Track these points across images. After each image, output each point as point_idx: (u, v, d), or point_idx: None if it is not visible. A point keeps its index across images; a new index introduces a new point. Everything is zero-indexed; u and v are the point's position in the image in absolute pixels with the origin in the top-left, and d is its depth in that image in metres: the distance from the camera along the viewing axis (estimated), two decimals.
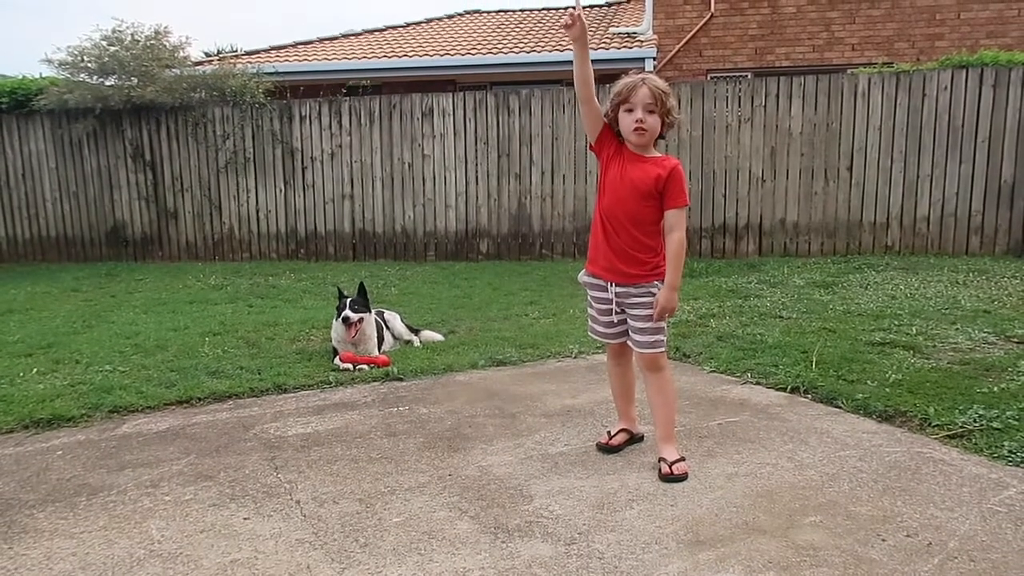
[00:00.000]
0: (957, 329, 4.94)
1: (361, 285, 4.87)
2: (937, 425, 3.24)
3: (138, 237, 10.88)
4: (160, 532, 2.53)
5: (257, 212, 10.55)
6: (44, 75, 11.29)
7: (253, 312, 6.59)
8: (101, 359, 4.84)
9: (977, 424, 3.20)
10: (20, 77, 11.42)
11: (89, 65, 10.63)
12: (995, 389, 3.62)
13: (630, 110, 2.78)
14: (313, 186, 10.39)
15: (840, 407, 3.56)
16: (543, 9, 15.98)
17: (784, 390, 3.87)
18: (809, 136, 9.08)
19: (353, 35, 14.99)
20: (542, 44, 12.61)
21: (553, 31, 13.50)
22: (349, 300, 4.64)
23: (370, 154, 10.21)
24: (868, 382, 3.83)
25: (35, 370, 4.58)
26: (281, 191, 10.47)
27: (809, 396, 3.76)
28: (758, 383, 4.02)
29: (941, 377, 3.86)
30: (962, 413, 3.31)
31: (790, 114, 9.10)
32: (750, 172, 9.25)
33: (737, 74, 11.67)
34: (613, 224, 2.86)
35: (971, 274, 7.20)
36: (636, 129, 2.77)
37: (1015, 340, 4.63)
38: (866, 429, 3.28)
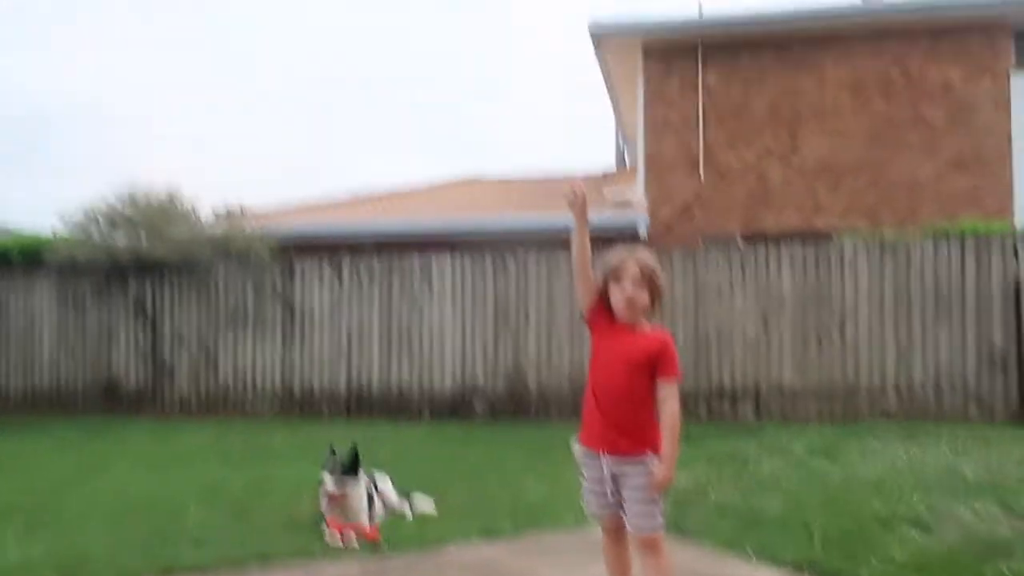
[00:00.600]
0: (961, 502, 4.83)
1: (354, 448, 4.78)
2: None
3: (133, 392, 10.83)
4: None
5: (253, 368, 10.57)
6: (56, 233, 11.66)
7: (244, 473, 6.43)
8: (82, 524, 4.68)
9: None
10: (33, 235, 11.82)
11: (101, 224, 11.02)
12: (1004, 570, 3.49)
13: (619, 285, 2.87)
14: (311, 344, 10.47)
15: None
16: (542, 179, 16.78)
17: (787, 567, 3.73)
18: (801, 300, 9.28)
19: (357, 200, 15.66)
20: (540, 208, 13.14)
21: (551, 197, 14.09)
22: (338, 465, 4.52)
23: (368, 313, 10.37)
24: (873, 561, 3.70)
25: (11, 535, 4.41)
26: (278, 348, 10.54)
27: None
28: (760, 560, 3.88)
29: (947, 557, 3.74)
30: None
31: (780, 278, 9.35)
32: (744, 336, 9.37)
33: (728, 239, 12.09)
34: (606, 396, 2.88)
35: (971, 442, 7.12)
36: (626, 304, 2.85)
37: (1020, 516, 4.51)
38: None
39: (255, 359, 10.59)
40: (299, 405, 10.39)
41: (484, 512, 4.91)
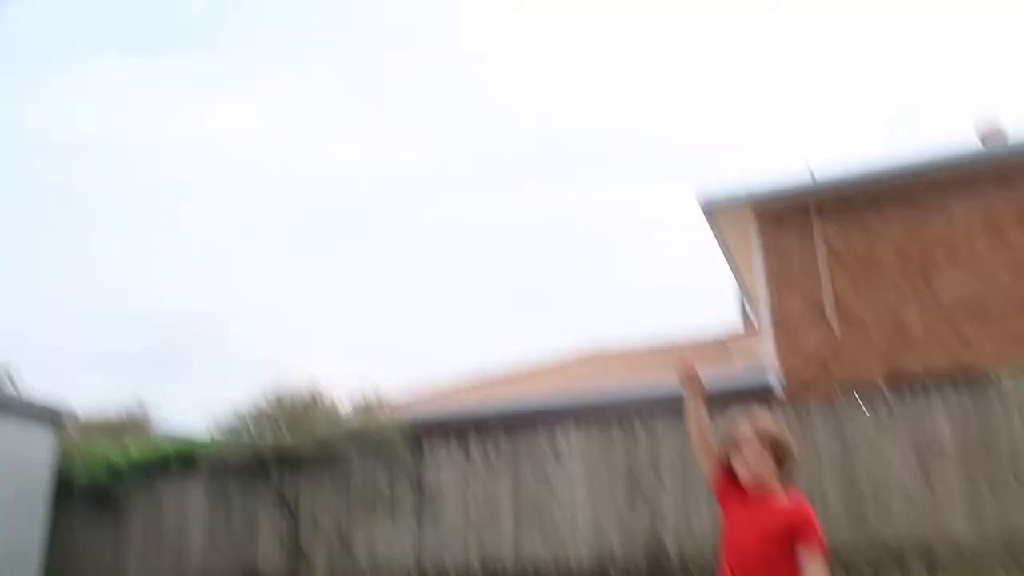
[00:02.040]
0: None
1: None
2: None
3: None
4: None
5: (387, 550, 10.50)
6: (209, 431, 12.48)
7: None
8: None
9: None
10: (187, 439, 12.70)
11: (250, 427, 11.74)
12: None
13: (737, 450, 2.72)
14: (443, 524, 10.36)
15: None
16: (666, 346, 16.63)
17: None
18: (963, 446, 8.39)
19: (483, 380, 15.98)
20: (666, 374, 12.90)
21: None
22: None
23: (498, 490, 10.23)
24: None
25: None
26: (412, 528, 10.48)
27: None
28: None
29: None
30: None
31: (936, 423, 8.55)
32: (904, 489, 8.48)
33: (870, 389, 11.32)
34: (742, 570, 2.64)
35: None
36: (749, 474, 2.70)
37: None
38: None
39: (389, 541, 10.55)
40: None
41: None
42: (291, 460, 11.24)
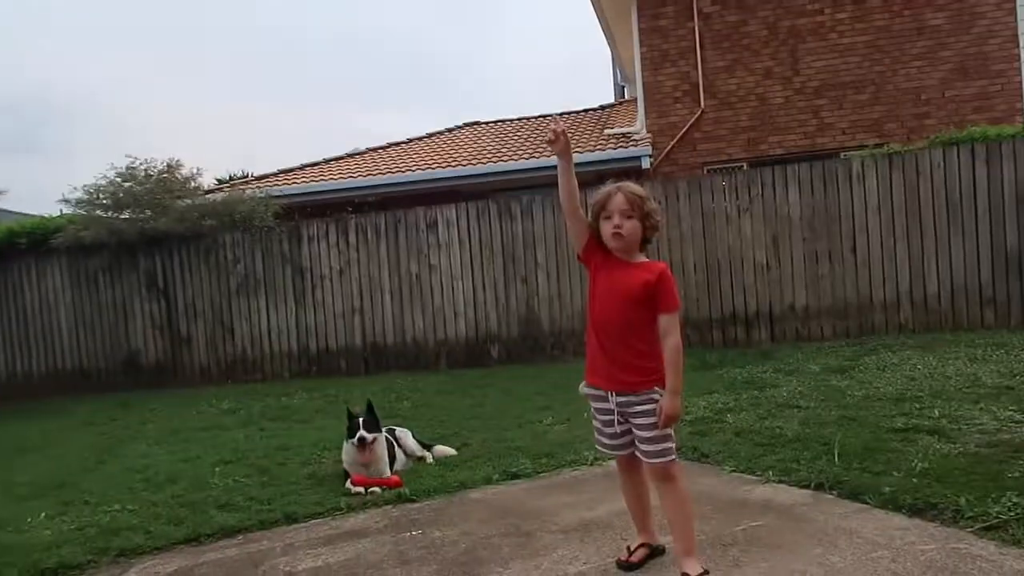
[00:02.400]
0: (981, 409, 4.82)
1: (369, 404, 4.82)
2: (971, 517, 3.10)
3: (152, 365, 10.95)
4: None
5: (269, 333, 10.65)
6: (62, 213, 11.67)
7: (265, 436, 6.52)
8: (111, 498, 4.76)
9: (1012, 513, 3.06)
10: (39, 217, 11.82)
11: (104, 201, 11.01)
12: None
13: (608, 217, 2.82)
14: (323, 303, 10.52)
15: (868, 503, 3.43)
16: (539, 117, 16.53)
17: (808, 487, 3.74)
18: (809, 221, 9.16)
19: (358, 154, 15.51)
20: (540, 150, 12.97)
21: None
22: (362, 420, 4.58)
23: (378, 268, 10.37)
24: (894, 473, 3.71)
25: (43, 514, 4.50)
26: (292, 310, 10.59)
27: (834, 493, 3.63)
28: (781, 481, 3.89)
29: (969, 463, 3.73)
30: (995, 502, 3.18)
31: (788, 201, 9.22)
32: (754, 260, 9.29)
33: (732, 165, 11.91)
34: (606, 332, 2.85)
35: (989, 349, 7.08)
36: (614, 234, 2.80)
37: None
38: (897, 526, 3.14)
39: (269, 323, 10.65)
40: (317, 365, 10.48)
41: (504, 454, 4.95)
42: (157, 239, 10.76)
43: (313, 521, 4.00)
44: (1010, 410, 4.69)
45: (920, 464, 3.77)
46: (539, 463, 4.66)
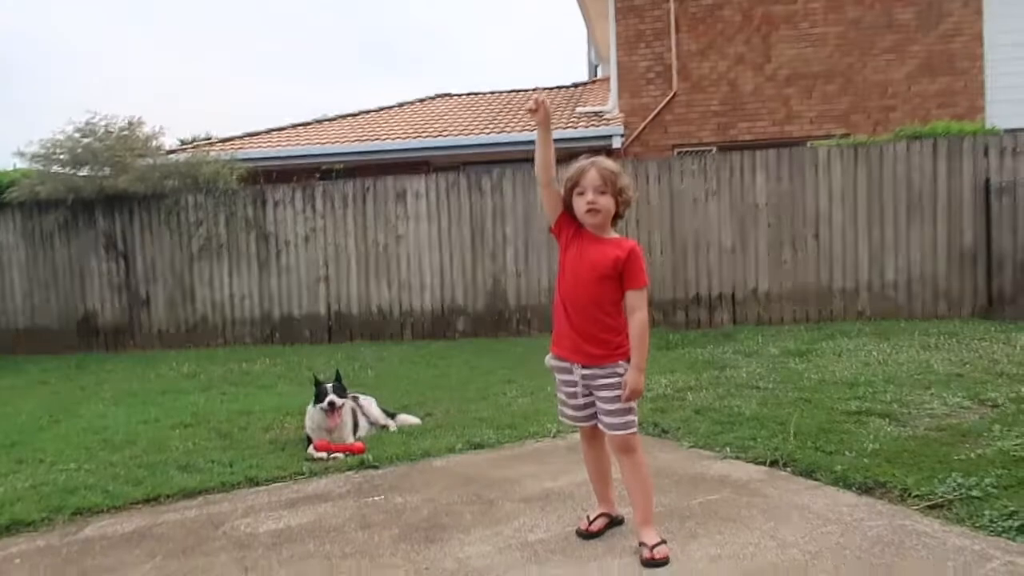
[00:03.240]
0: (932, 394, 4.97)
1: (337, 372, 4.83)
2: (917, 496, 3.22)
3: (109, 326, 10.74)
4: None
5: (231, 298, 10.50)
6: (17, 167, 11.32)
7: (226, 401, 6.47)
8: (67, 457, 4.70)
9: (957, 493, 3.19)
10: None
11: (62, 157, 10.69)
12: (972, 455, 3.62)
13: (581, 193, 2.84)
14: (287, 270, 10.39)
15: (820, 480, 3.54)
16: (512, 91, 16.45)
17: (764, 464, 3.84)
18: (775, 207, 9.30)
19: (327, 120, 15.28)
20: (512, 124, 12.93)
21: (522, 112, 13.86)
22: (331, 386, 4.58)
23: (344, 237, 10.26)
24: (846, 453, 3.82)
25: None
26: (255, 276, 10.45)
27: (788, 470, 3.73)
28: (737, 458, 3.99)
29: (918, 445, 3.86)
30: (941, 482, 3.30)
31: (755, 186, 9.34)
32: (720, 243, 9.41)
33: (702, 149, 12.00)
34: (574, 305, 2.88)
35: (941, 337, 7.30)
36: (588, 211, 2.83)
37: (988, 404, 4.66)
38: (847, 502, 3.25)
39: (232, 288, 10.50)
40: (280, 332, 10.38)
41: (468, 425, 4.99)
42: (116, 198, 10.50)
43: (275, 484, 4.00)
44: (959, 396, 4.86)
45: (871, 445, 3.90)
46: (502, 434, 4.70)
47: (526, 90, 16.23)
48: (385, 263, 10.19)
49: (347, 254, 10.26)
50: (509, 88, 16.66)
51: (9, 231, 10.95)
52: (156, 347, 10.53)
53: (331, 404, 4.48)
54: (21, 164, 11.00)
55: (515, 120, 13.33)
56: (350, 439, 4.60)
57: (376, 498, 3.68)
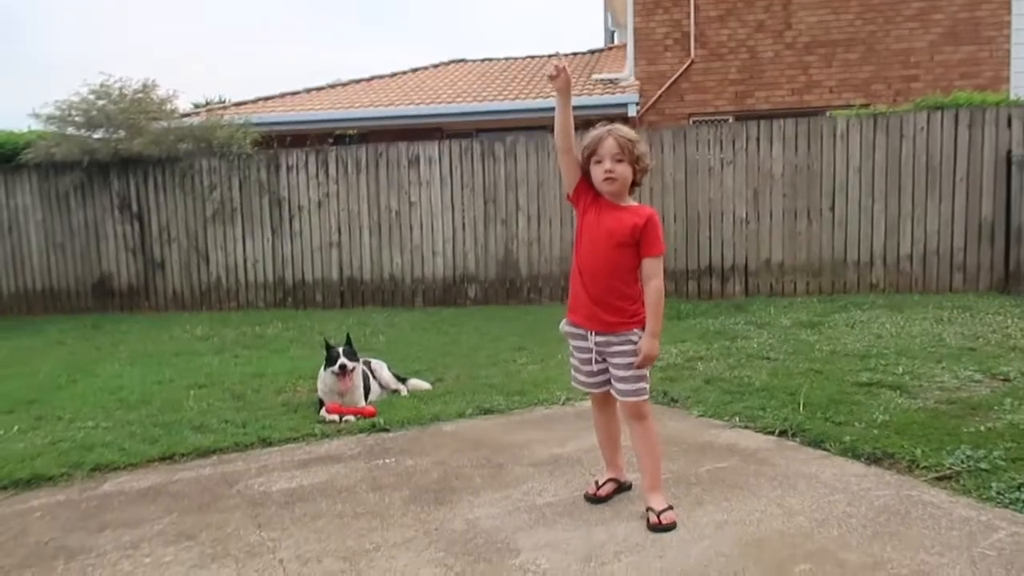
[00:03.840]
0: (943, 367, 4.96)
1: (348, 336, 4.86)
2: (925, 467, 3.23)
3: (125, 288, 10.85)
4: None
5: (244, 261, 10.56)
6: (32, 129, 11.35)
7: (239, 363, 6.54)
8: (84, 415, 4.78)
9: (965, 465, 3.19)
10: (7, 132, 11.48)
11: (77, 119, 10.72)
12: (981, 428, 3.62)
13: (599, 161, 2.83)
14: (300, 235, 10.42)
15: (828, 450, 3.55)
16: (527, 57, 16.27)
17: (772, 434, 3.86)
18: (791, 177, 9.21)
19: (340, 85, 15.20)
20: (526, 91, 12.81)
21: (537, 79, 13.74)
22: (342, 349, 4.62)
23: (357, 202, 10.27)
24: (856, 424, 3.83)
25: (16, 428, 4.51)
26: (268, 240, 10.49)
27: (797, 439, 3.75)
28: (746, 427, 4.01)
29: (928, 417, 3.86)
30: (950, 454, 3.31)
31: (771, 156, 9.24)
32: (734, 214, 9.35)
33: (718, 118, 11.87)
34: (591, 273, 2.88)
35: (955, 311, 7.25)
36: (606, 179, 2.82)
37: (1000, 378, 4.65)
38: (854, 472, 3.27)
39: (245, 252, 10.56)
40: (292, 296, 10.45)
41: (479, 390, 5.03)
42: (131, 160, 10.54)
43: (287, 446, 4.06)
44: (970, 370, 4.84)
45: (881, 416, 3.90)
46: (512, 400, 4.74)
47: (541, 56, 16.06)
48: (397, 229, 10.19)
49: (359, 220, 10.28)
50: (524, 55, 16.49)
51: (26, 192, 11.02)
52: (170, 309, 10.64)
53: (343, 368, 4.52)
54: (36, 126, 11.04)
55: (529, 86, 13.21)
56: (361, 403, 4.65)
57: (387, 460, 3.73)
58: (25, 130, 11.48)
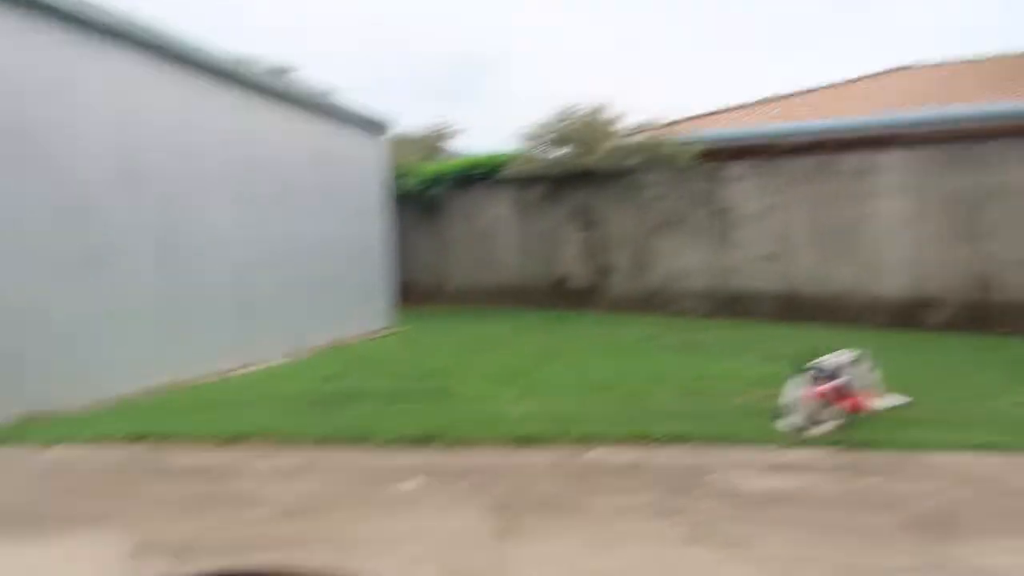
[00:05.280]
0: None
1: (817, 350, 4.64)
2: None
3: (578, 288, 12.00)
4: (639, 557, 2.64)
5: (684, 270, 10.89)
6: (504, 153, 13.19)
7: (686, 363, 6.71)
8: (558, 391, 5.35)
9: None
10: (490, 155, 13.52)
11: (544, 140, 12.21)
12: None
13: None
14: (740, 247, 10.38)
15: None
16: (987, 60, 13.91)
17: None
18: None
19: (781, 97, 14.80)
20: (1004, 93, 10.96)
21: (1015, 78, 11.66)
22: (820, 361, 4.46)
23: (800, 214, 9.86)
24: None
25: (512, 394, 5.23)
26: (708, 250, 10.66)
27: None
28: None
29: None
30: None
31: None
32: None
33: None
34: None
35: None
36: None
37: None
38: None
39: (685, 261, 10.89)
40: (729, 307, 10.45)
41: (963, 423, 4.40)
42: (586, 175, 11.64)
43: (753, 447, 4.01)
44: None
45: None
46: (1007, 439, 4.04)
47: (1013, 58, 13.59)
48: (844, 243, 9.53)
49: (802, 232, 9.85)
50: (988, 56, 14.12)
51: (503, 204, 12.87)
52: (615, 310, 11.44)
53: (821, 376, 4.31)
54: (513, 147, 12.81)
55: (1004, 87, 11.27)
56: (859, 392, 4.41)
57: (869, 480, 3.46)
58: (502, 152, 13.40)
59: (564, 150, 12.11)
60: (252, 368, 6.65)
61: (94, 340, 5.46)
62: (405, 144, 14.91)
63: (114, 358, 5.60)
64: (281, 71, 16.12)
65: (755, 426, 4.34)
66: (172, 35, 6.24)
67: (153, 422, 4.66)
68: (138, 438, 4.27)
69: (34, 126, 5.12)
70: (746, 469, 3.62)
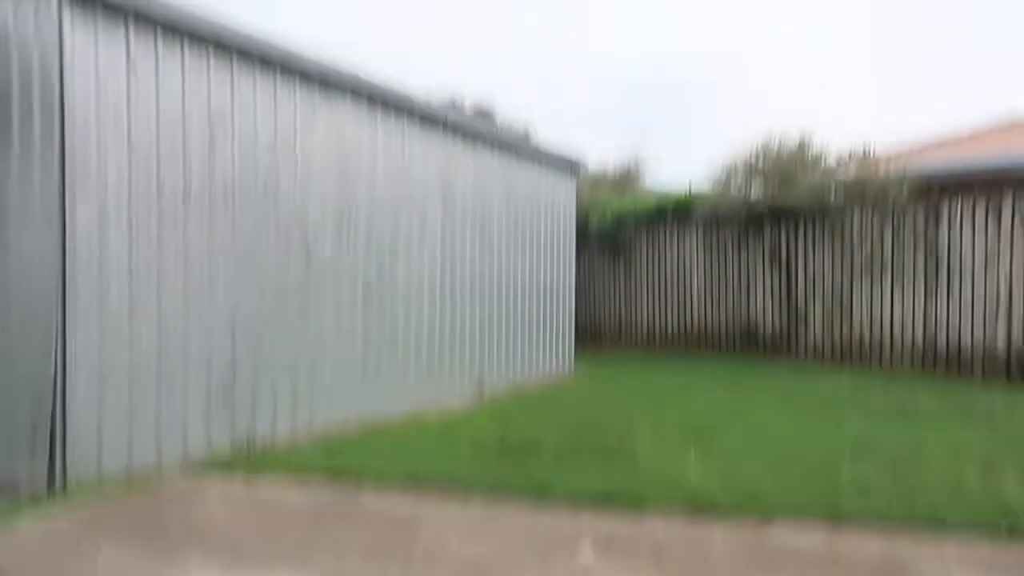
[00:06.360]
0: None
1: None
2: None
3: (769, 335, 11.36)
4: None
5: (891, 319, 9.98)
6: (696, 189, 12.86)
7: (892, 430, 6.12)
8: (742, 454, 5.09)
9: None
10: (683, 193, 13.23)
11: (738, 179, 11.75)
12: None
13: None
14: (960, 295, 9.34)
15: None
16: None
17: None
18: None
19: (1011, 125, 13.25)
20: None
21: None
22: None
23: None
24: None
25: (692, 454, 5.05)
26: (920, 298, 9.70)
27: None
28: None
29: None
30: None
31: None
32: None
33: None
34: None
35: None
36: None
37: None
38: None
39: (893, 309, 9.98)
40: (945, 363, 9.41)
41: None
42: (783, 213, 11.05)
43: (965, 538, 3.55)
44: None
45: None
46: None
47: None
48: None
49: None
50: None
51: (692, 243, 12.51)
52: (810, 359, 10.70)
53: None
54: (702, 181, 12.48)
55: None
56: None
57: None
58: (694, 189, 13.09)
59: (761, 186, 11.62)
60: (434, 409, 6.92)
61: (301, 373, 5.98)
62: (595, 181, 15.03)
63: (315, 391, 6.09)
64: (484, 113, 16.94)
65: (976, 512, 3.84)
66: (384, 83, 6.73)
67: (347, 458, 5.02)
68: (335, 474, 4.61)
69: (277, 177, 5.78)
70: (956, 563, 3.21)
